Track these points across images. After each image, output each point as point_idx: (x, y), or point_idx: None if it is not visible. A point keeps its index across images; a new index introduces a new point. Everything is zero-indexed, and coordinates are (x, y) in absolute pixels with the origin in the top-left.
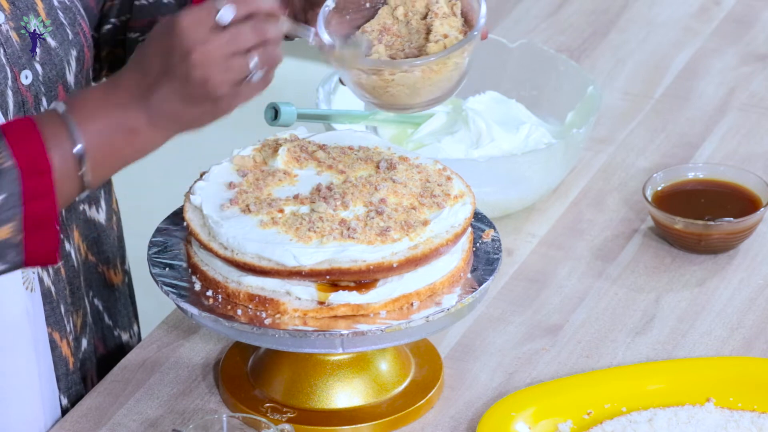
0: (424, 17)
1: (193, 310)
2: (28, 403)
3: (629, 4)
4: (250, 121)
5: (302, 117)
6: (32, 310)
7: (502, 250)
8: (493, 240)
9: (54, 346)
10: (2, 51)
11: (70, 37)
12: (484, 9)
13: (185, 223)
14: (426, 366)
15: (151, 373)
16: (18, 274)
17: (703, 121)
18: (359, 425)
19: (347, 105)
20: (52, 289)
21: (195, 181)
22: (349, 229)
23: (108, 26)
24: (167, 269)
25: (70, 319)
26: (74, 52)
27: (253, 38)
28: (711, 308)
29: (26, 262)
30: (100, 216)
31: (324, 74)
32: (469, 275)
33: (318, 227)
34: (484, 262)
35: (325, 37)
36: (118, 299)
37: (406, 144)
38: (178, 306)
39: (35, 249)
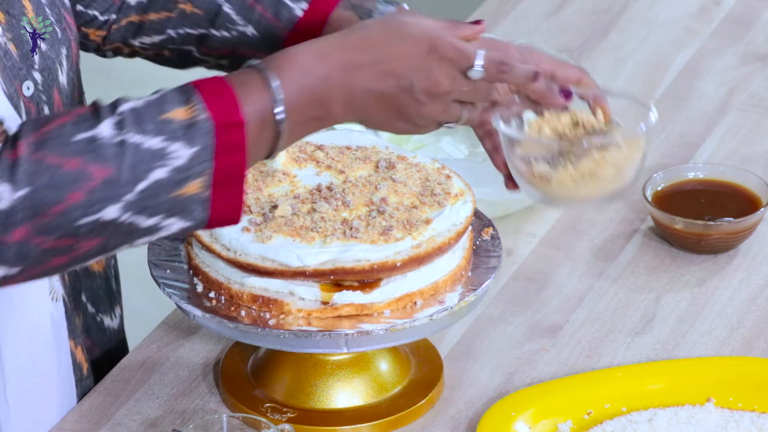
0: (575, 126)
1: (196, 311)
2: (46, 410)
3: (629, 4)
4: None
5: None
6: (57, 319)
7: (502, 249)
8: (492, 238)
9: (71, 353)
10: (4, 64)
11: (59, 35)
12: (654, 114)
13: None
14: (426, 366)
15: (151, 373)
16: (45, 283)
17: (703, 121)
18: (359, 425)
19: None
20: (66, 297)
21: None
22: (351, 228)
23: (125, 23)
24: (168, 271)
25: (80, 323)
26: (64, 51)
27: (483, 98)
28: (711, 308)
29: (211, 220)
30: None
31: None
32: (469, 274)
33: (320, 227)
34: (484, 260)
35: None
36: (100, 285)
37: (406, 144)
38: (181, 308)
39: (221, 206)
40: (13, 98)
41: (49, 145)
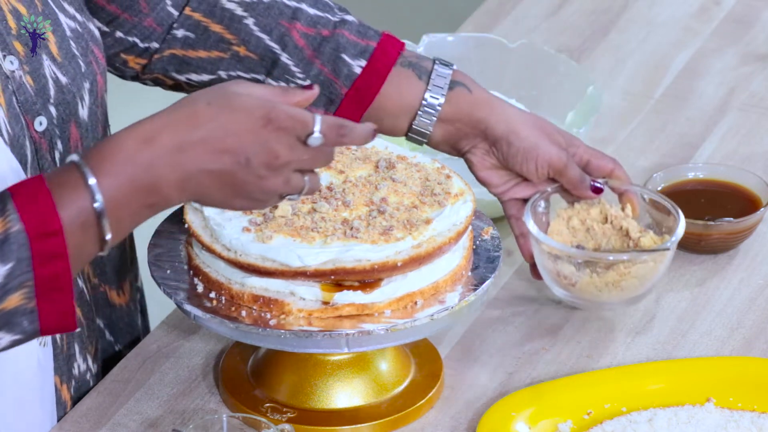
0: (605, 222)
1: (197, 312)
2: None
3: (629, 4)
4: None
5: None
6: (43, 362)
7: (502, 249)
8: (492, 238)
9: (56, 390)
10: (14, 100)
11: (83, 69)
12: (682, 224)
13: (186, 225)
14: (426, 366)
15: (151, 373)
16: None
17: (703, 121)
18: (359, 425)
19: None
20: (58, 338)
21: None
22: (352, 228)
23: (168, 54)
24: (169, 271)
25: (85, 356)
26: (87, 85)
27: (325, 164)
28: (711, 308)
29: (42, 330)
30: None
31: None
32: (469, 273)
33: (321, 227)
34: (484, 259)
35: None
36: (121, 317)
37: (406, 144)
38: (182, 309)
39: (50, 316)
40: (19, 138)
41: None
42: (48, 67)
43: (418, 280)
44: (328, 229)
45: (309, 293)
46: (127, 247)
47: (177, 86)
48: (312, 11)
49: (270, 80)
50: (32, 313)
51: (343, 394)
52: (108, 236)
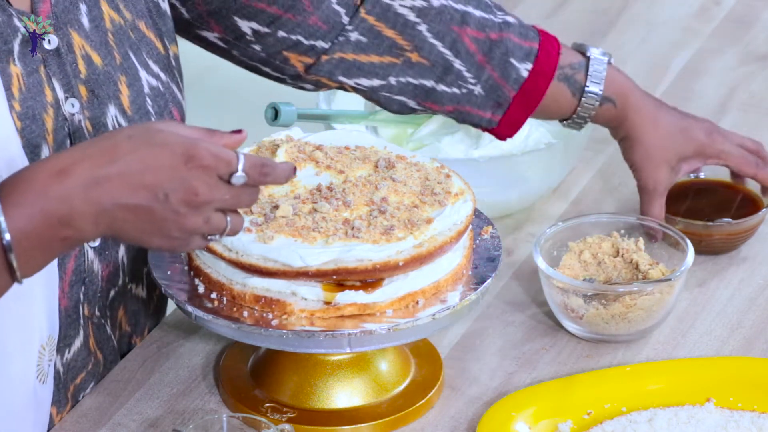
0: (616, 255)
1: (198, 312)
2: None
3: (629, 4)
4: (249, 122)
5: (302, 117)
6: (41, 397)
7: (502, 248)
8: (492, 237)
9: (50, 419)
10: (68, 143)
11: (153, 117)
12: (690, 254)
13: None
14: (426, 366)
15: (151, 373)
16: (33, 367)
17: None
18: (359, 425)
19: (347, 105)
20: (61, 371)
21: None
22: (353, 228)
23: (338, 56)
24: (169, 272)
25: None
26: None
27: (248, 204)
28: (711, 308)
29: None
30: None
31: None
32: (470, 272)
33: (322, 227)
34: (484, 259)
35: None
36: (140, 311)
37: (406, 144)
38: (183, 309)
39: None
40: None
41: None
42: (112, 117)
43: (419, 279)
44: (330, 229)
45: (311, 293)
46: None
47: (340, 89)
48: (478, 14)
49: (442, 86)
50: None
51: (343, 394)
52: (18, 266)
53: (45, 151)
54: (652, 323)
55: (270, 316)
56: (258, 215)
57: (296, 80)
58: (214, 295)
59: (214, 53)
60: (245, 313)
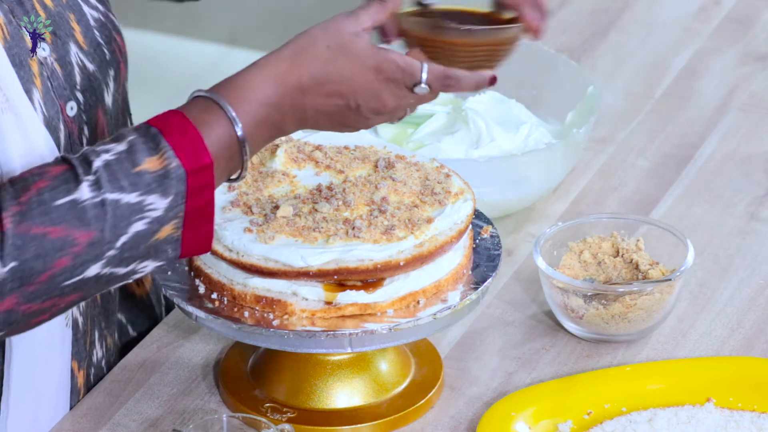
0: (616, 255)
1: (199, 313)
2: (39, 426)
3: (629, 4)
4: None
5: None
6: (64, 343)
7: (502, 248)
8: (492, 236)
9: (72, 376)
10: (49, 84)
11: (107, 57)
12: (691, 254)
13: None
14: (426, 366)
15: (151, 373)
16: None
17: (703, 121)
18: (359, 425)
19: None
20: (80, 320)
21: None
22: (353, 228)
23: None
24: (170, 272)
25: (103, 343)
26: (111, 72)
27: (429, 101)
28: (711, 308)
29: (182, 255)
30: None
31: None
32: (470, 272)
33: (323, 227)
34: (485, 258)
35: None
36: (142, 310)
37: (406, 144)
38: (184, 310)
39: (192, 243)
40: (53, 120)
41: (32, 215)
42: (75, 55)
43: (420, 279)
44: (330, 229)
45: (312, 293)
46: None
47: None
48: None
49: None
50: (177, 242)
51: (343, 394)
52: (246, 164)
53: (36, 96)
54: (652, 323)
55: (271, 316)
56: (258, 215)
57: None
58: (214, 296)
59: None
60: (246, 314)
